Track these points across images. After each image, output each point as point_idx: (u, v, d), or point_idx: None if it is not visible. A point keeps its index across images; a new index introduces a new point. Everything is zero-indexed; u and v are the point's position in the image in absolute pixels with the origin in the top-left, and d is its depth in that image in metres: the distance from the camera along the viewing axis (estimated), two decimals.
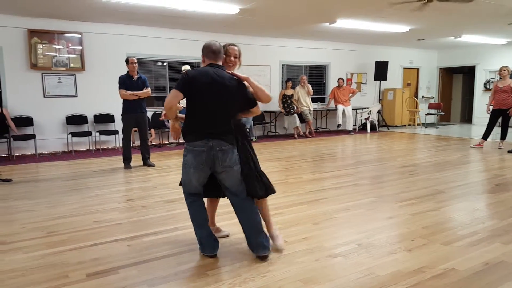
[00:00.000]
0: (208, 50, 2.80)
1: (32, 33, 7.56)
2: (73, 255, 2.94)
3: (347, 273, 2.59)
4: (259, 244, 2.80)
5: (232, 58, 2.93)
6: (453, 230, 3.37)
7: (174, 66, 9.15)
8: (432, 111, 13.04)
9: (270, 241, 2.92)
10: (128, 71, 6.21)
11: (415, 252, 2.92)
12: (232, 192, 2.82)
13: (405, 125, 12.96)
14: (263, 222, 2.92)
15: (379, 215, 3.82)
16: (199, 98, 2.71)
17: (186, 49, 9.24)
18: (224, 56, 2.88)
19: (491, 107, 8.04)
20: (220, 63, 2.83)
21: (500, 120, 7.98)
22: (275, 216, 3.69)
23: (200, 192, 2.89)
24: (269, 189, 2.92)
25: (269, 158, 7.12)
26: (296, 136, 10.16)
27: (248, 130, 9.58)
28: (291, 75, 10.95)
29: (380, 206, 4.10)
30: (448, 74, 14.57)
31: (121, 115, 6.26)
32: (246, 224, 2.84)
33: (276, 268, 2.67)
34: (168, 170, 6.18)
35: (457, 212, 3.88)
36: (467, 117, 14.47)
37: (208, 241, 2.85)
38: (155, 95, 9.08)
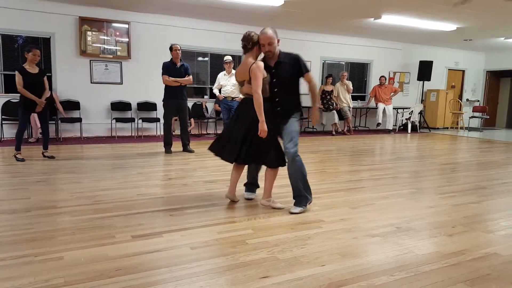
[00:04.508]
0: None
1: (83, 20, 7.91)
2: (119, 220, 3.09)
3: (385, 250, 2.59)
4: None
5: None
6: (496, 221, 3.29)
7: (216, 58, 9.32)
8: (477, 114, 12.61)
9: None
10: (171, 58, 6.39)
11: (455, 237, 2.87)
12: None
13: (447, 128, 12.61)
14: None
15: (419, 204, 3.78)
16: None
17: (229, 41, 9.38)
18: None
19: None
20: None
21: None
22: (314, 199, 3.75)
23: None
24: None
25: (306, 151, 7.13)
26: (334, 132, 10.11)
27: None
28: (331, 71, 10.90)
29: (420, 197, 4.05)
30: (495, 77, 14.04)
31: (163, 100, 6.45)
32: None
33: (313, 242, 2.71)
34: (207, 156, 6.31)
35: (500, 206, 3.78)
36: None
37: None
38: (195, 86, 9.28)
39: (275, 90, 3.36)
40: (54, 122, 7.81)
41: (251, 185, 3.86)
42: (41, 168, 5.05)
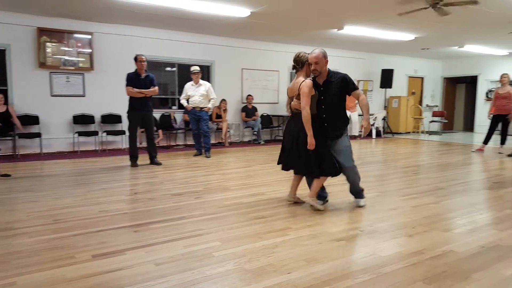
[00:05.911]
0: None
1: (42, 31, 7.66)
2: (79, 239, 2.98)
3: (350, 254, 2.64)
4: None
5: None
6: (453, 220, 3.45)
7: (184, 68, 9.23)
8: (436, 118, 13.10)
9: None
10: (136, 69, 6.30)
11: (415, 237, 2.97)
12: None
13: (409, 132, 13.02)
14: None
15: (382, 207, 3.88)
16: None
17: (196, 52, 9.35)
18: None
19: (491, 114, 8.16)
20: None
21: (500, 125, 8.09)
22: (279, 207, 3.86)
23: None
24: None
25: (276, 159, 7.16)
26: None
27: (256, 132, 9.67)
28: None
29: (383, 200, 4.16)
30: (451, 83, 14.67)
31: (127, 112, 6.33)
32: None
33: (280, 250, 2.72)
34: (175, 168, 6.24)
35: (457, 205, 3.97)
36: (469, 126, 14.52)
37: None
38: (163, 96, 9.18)
39: (322, 107, 3.63)
40: (11, 138, 7.50)
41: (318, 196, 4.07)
42: None
